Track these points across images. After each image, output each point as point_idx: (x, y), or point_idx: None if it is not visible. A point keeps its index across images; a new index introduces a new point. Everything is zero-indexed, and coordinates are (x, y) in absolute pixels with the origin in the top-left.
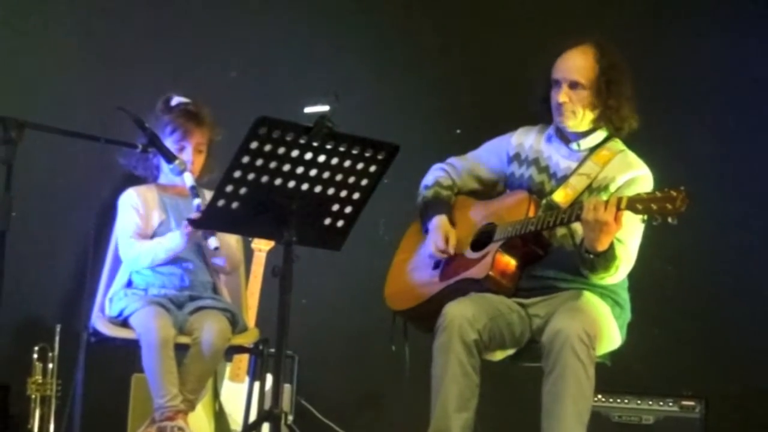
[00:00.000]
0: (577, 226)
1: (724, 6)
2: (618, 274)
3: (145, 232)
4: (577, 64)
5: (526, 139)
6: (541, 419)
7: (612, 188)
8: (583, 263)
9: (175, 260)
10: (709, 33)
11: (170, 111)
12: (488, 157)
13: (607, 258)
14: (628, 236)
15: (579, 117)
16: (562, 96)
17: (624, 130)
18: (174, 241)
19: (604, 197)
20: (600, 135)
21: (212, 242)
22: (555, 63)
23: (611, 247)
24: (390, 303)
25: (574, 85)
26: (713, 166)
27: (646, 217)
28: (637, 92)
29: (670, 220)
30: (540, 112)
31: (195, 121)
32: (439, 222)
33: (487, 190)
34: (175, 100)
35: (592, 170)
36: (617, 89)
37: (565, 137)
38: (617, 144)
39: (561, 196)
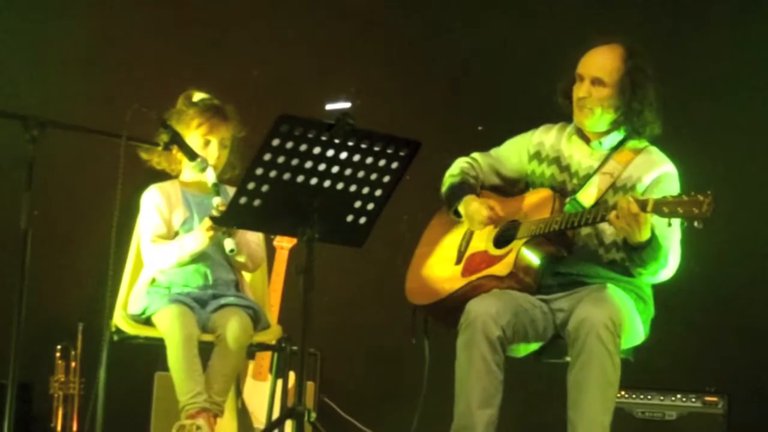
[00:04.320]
0: (603, 226)
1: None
2: (669, 265)
3: (168, 232)
4: (602, 61)
5: (546, 138)
6: (567, 408)
7: (639, 189)
8: (633, 262)
9: (197, 258)
10: (744, 29)
11: (195, 105)
12: (509, 154)
13: (653, 247)
14: (664, 230)
15: (597, 116)
16: (582, 90)
17: (645, 134)
18: (197, 241)
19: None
20: (619, 134)
21: (228, 244)
22: (581, 58)
23: (653, 234)
24: (410, 297)
25: (596, 82)
26: (738, 163)
27: (671, 220)
28: (666, 92)
29: (696, 224)
30: (561, 108)
31: (221, 116)
32: (472, 198)
33: (508, 187)
34: (197, 95)
35: (614, 169)
36: (642, 93)
37: (585, 136)
38: (639, 142)
39: (585, 196)
